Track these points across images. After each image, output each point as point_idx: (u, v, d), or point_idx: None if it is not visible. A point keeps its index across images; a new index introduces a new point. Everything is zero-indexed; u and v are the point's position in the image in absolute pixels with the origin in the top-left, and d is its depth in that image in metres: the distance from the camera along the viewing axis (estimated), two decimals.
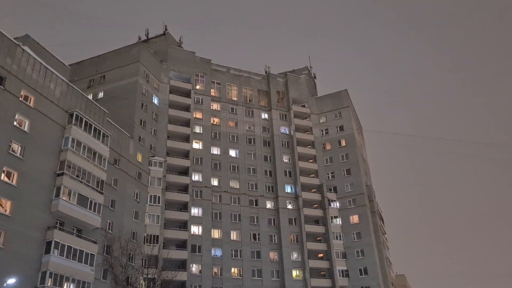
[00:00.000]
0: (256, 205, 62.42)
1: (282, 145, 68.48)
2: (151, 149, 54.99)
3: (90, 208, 40.24)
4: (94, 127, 43.37)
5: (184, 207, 56.31)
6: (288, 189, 65.53)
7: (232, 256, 57.54)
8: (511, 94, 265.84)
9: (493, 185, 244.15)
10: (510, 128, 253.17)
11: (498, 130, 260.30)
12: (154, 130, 56.80)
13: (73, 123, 40.61)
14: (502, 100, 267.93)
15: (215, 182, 61.06)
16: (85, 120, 42.31)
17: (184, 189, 57.31)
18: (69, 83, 43.00)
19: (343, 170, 68.11)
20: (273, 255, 60.22)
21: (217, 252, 56.92)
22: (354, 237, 63.25)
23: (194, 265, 54.07)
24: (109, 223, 44.32)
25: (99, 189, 41.97)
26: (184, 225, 55.19)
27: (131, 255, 43.36)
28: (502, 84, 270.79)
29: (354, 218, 64.73)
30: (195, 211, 57.11)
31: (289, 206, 64.14)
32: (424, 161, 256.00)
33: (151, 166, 53.90)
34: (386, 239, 74.58)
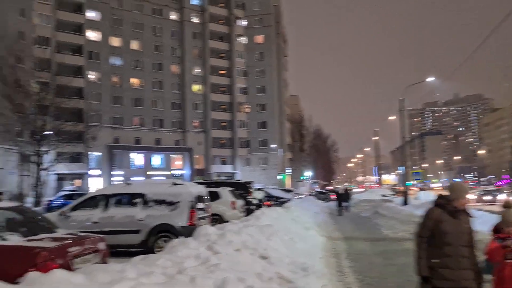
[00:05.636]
0: (160, 15, 58.68)
1: None
2: None
3: None
4: None
5: (79, 8, 50.90)
6: (194, 0, 61.82)
7: (132, 67, 55.78)
8: None
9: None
10: None
11: None
12: None
13: None
14: None
15: None
16: None
17: None
18: None
19: None
20: (175, 68, 59.58)
21: (116, 61, 54.51)
22: (256, 56, 64.39)
23: (91, 72, 51.79)
24: None
25: None
26: (79, 29, 50.66)
27: (20, 57, 39.65)
28: None
29: (259, 38, 64.87)
30: (92, 14, 52.14)
31: (195, 20, 61.47)
32: None
33: None
34: (287, 61, 77.31)
